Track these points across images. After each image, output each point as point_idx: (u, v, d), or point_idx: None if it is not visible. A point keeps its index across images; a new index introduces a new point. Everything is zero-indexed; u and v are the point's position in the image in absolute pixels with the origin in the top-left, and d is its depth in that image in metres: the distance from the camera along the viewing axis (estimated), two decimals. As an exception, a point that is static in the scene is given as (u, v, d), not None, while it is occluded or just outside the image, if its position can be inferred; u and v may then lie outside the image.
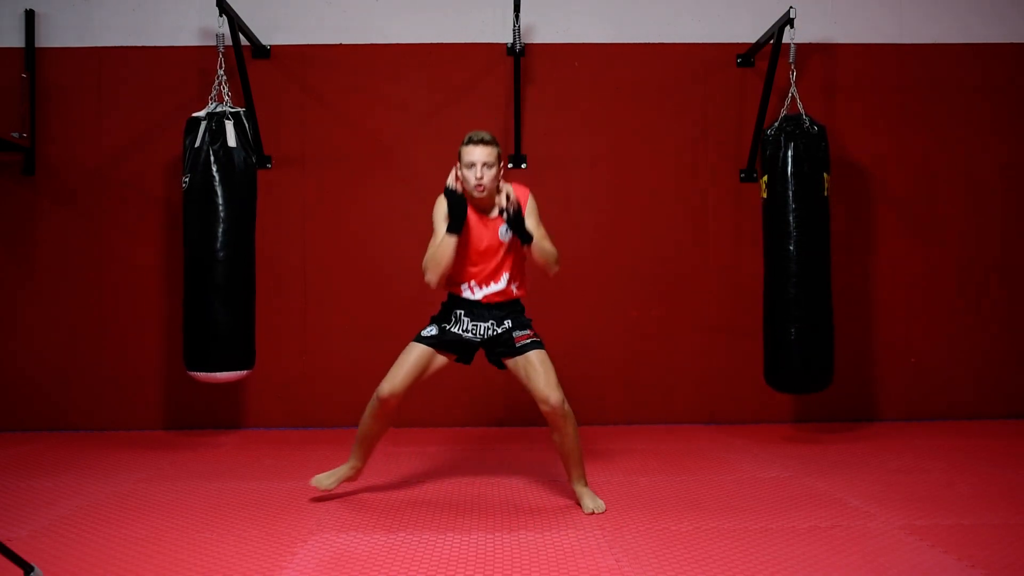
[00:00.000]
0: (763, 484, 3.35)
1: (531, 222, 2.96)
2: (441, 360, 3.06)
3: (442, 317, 3.08)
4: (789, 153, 4.02)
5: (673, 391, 4.81)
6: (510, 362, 3.02)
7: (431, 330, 3.06)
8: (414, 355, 3.03)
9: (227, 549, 2.57)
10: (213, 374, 3.78)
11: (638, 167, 4.84)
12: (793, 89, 4.19)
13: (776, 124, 4.12)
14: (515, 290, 3.06)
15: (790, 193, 4.00)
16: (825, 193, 4.04)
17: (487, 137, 2.93)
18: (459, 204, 2.91)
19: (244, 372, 3.85)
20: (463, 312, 3.04)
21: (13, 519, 2.91)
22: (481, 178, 2.89)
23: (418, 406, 4.74)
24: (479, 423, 4.70)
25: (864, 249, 4.83)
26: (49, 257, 4.73)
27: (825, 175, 4.04)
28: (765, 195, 4.12)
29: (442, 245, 2.91)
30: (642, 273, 4.82)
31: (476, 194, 2.92)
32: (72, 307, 4.73)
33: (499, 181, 2.96)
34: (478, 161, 2.90)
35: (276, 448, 4.19)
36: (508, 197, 2.89)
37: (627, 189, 4.84)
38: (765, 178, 4.11)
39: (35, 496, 3.24)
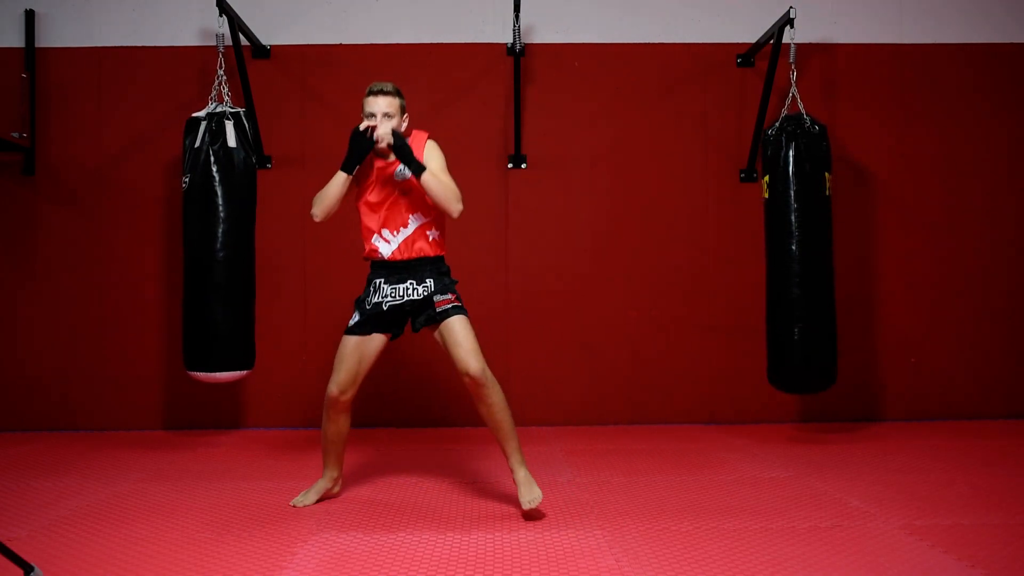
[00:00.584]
0: (763, 484, 3.35)
1: (431, 164, 2.91)
2: (376, 342, 3.01)
3: (362, 296, 3.04)
4: (790, 153, 4.02)
5: (673, 391, 4.81)
6: (434, 332, 2.95)
7: (355, 317, 3.02)
8: (348, 348, 3.01)
9: (227, 549, 2.57)
10: (213, 374, 3.77)
11: (638, 167, 4.84)
12: (793, 89, 4.19)
13: (777, 124, 4.12)
14: (429, 241, 2.96)
15: (792, 193, 4.00)
16: (827, 193, 4.04)
17: (388, 88, 2.93)
18: (358, 143, 2.89)
19: (244, 372, 3.85)
20: (381, 280, 2.99)
21: (13, 519, 2.90)
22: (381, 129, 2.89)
23: (418, 406, 4.75)
24: (479, 423, 4.69)
25: (866, 248, 4.83)
26: (49, 257, 4.73)
27: (826, 174, 4.04)
28: (767, 195, 4.11)
29: (332, 181, 2.93)
30: (642, 273, 4.82)
31: (375, 143, 2.90)
32: (72, 307, 4.73)
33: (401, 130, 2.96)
34: (378, 111, 2.91)
35: (276, 448, 4.19)
36: (392, 132, 2.87)
37: (627, 189, 4.84)
38: (767, 178, 4.11)
39: (35, 496, 3.24)
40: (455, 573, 2.35)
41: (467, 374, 2.84)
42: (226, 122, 3.83)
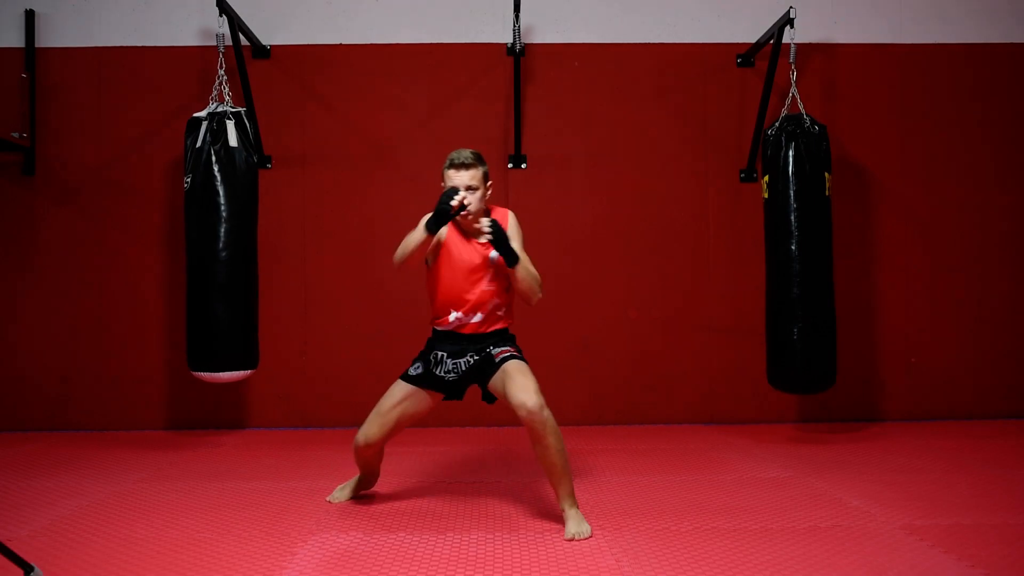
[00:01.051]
0: (763, 484, 3.35)
1: (515, 245, 2.84)
2: (425, 400, 2.95)
3: (425, 356, 2.97)
4: (790, 153, 4.02)
5: (673, 391, 4.81)
6: (492, 383, 2.85)
7: (417, 367, 2.96)
8: (394, 398, 2.95)
9: (227, 549, 2.57)
10: (216, 374, 3.78)
11: (638, 167, 4.84)
12: (793, 89, 4.19)
13: (777, 124, 4.12)
14: (500, 317, 2.92)
15: (792, 193, 4.00)
16: (827, 193, 4.04)
17: (469, 159, 2.83)
18: (446, 212, 2.77)
19: (247, 372, 3.85)
20: (445, 354, 2.92)
21: (13, 519, 2.91)
22: (467, 201, 2.79)
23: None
24: (479, 423, 4.70)
25: (865, 249, 4.83)
26: (49, 257, 4.73)
27: (826, 175, 4.04)
28: (766, 195, 4.12)
29: (413, 239, 2.81)
30: (642, 273, 4.82)
31: (458, 216, 2.82)
32: (73, 307, 4.73)
33: (484, 203, 2.88)
34: (461, 185, 2.81)
35: (277, 448, 4.19)
36: (490, 224, 2.76)
37: (627, 189, 4.84)
38: (766, 178, 4.11)
39: (35, 496, 3.24)
40: (455, 573, 2.35)
41: (524, 407, 2.65)
42: (227, 122, 3.83)
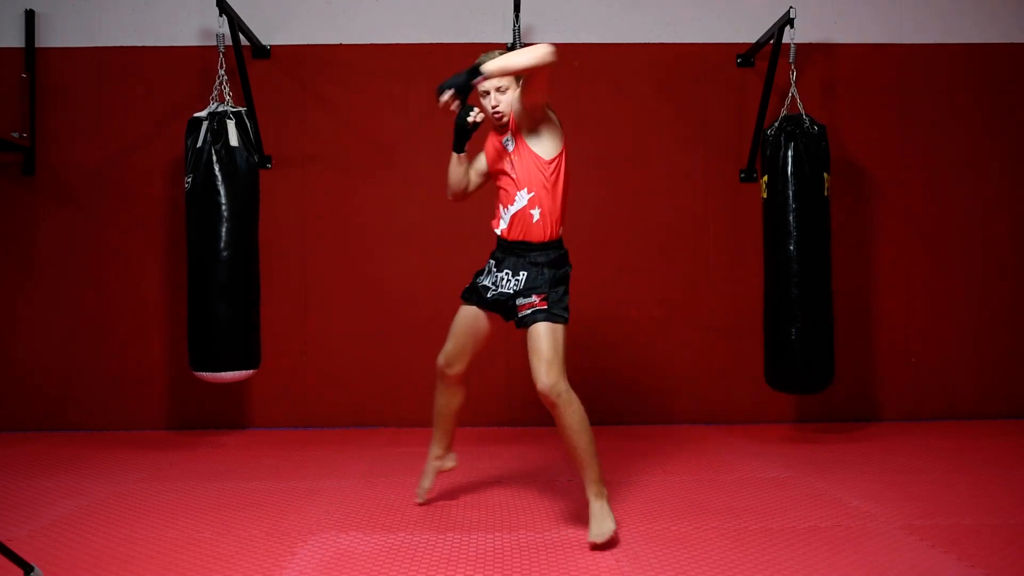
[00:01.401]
0: (763, 484, 3.35)
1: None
2: (485, 323, 2.81)
3: (482, 269, 2.87)
4: (789, 153, 4.02)
5: (673, 391, 4.81)
6: (527, 338, 2.65)
7: (471, 283, 2.86)
8: (459, 319, 2.85)
9: (227, 549, 2.57)
10: (218, 374, 3.78)
11: (638, 167, 4.84)
12: (793, 89, 4.19)
13: (776, 124, 4.12)
14: (533, 222, 2.68)
15: (790, 193, 4.00)
16: (825, 193, 4.04)
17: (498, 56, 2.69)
18: (460, 126, 2.74)
19: (249, 372, 3.86)
20: (495, 262, 2.80)
21: (13, 519, 2.91)
22: (496, 105, 2.71)
23: (418, 406, 4.74)
24: (479, 423, 4.70)
25: (864, 249, 4.83)
26: (49, 257, 4.73)
27: (825, 175, 4.04)
28: (765, 195, 4.12)
29: (450, 165, 2.84)
30: (642, 273, 4.82)
31: (496, 122, 2.74)
32: (73, 307, 4.73)
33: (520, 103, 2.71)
34: (491, 88, 2.70)
35: (277, 448, 4.19)
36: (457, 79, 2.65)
37: (627, 189, 4.84)
38: (765, 178, 4.11)
39: (35, 496, 3.24)
40: (455, 573, 2.35)
41: (538, 383, 2.55)
42: (228, 122, 3.83)
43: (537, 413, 4.67)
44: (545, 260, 2.70)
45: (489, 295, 2.77)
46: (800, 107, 4.16)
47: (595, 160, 4.83)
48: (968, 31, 4.88)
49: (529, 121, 2.69)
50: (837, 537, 2.63)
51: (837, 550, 2.51)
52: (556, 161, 2.71)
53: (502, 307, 2.76)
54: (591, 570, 2.36)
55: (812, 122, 4.07)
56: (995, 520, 2.80)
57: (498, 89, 2.70)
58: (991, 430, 4.48)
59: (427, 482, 3.08)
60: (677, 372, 4.81)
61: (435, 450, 3.08)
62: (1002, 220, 4.87)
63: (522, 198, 2.70)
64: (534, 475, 3.54)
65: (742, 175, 4.82)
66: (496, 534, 2.71)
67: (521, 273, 2.70)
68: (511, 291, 2.70)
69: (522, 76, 2.67)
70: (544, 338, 2.58)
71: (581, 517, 2.89)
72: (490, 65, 2.57)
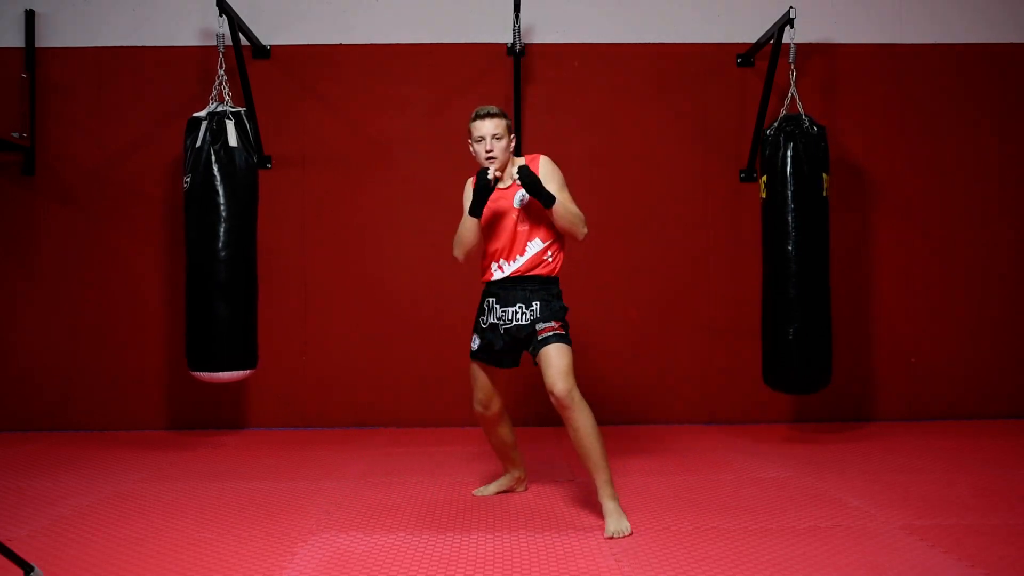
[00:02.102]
0: (763, 484, 3.35)
1: (552, 186, 2.88)
2: (495, 372, 3.05)
3: (477, 319, 3.03)
4: (788, 153, 4.02)
5: (673, 391, 4.81)
6: (537, 357, 2.87)
7: (475, 342, 3.03)
8: (475, 370, 3.06)
9: (227, 549, 2.57)
10: (216, 374, 3.78)
11: (638, 167, 4.84)
12: (793, 89, 4.19)
13: (776, 124, 4.12)
14: (543, 262, 2.92)
15: (789, 193, 4.00)
16: (824, 193, 4.04)
17: (494, 110, 2.94)
18: (484, 188, 2.87)
19: (247, 372, 3.85)
20: (494, 300, 2.96)
21: (13, 519, 2.91)
22: (491, 150, 2.89)
23: (418, 406, 4.75)
24: (478, 423, 4.69)
25: (863, 249, 4.83)
26: (49, 257, 4.74)
27: (824, 175, 4.04)
28: (764, 195, 4.12)
29: (464, 227, 2.94)
30: (642, 273, 4.82)
31: (485, 164, 2.92)
32: (73, 307, 4.73)
33: (510, 153, 2.96)
34: (487, 134, 2.90)
35: (277, 448, 4.19)
36: (519, 170, 2.85)
37: (627, 189, 4.84)
38: (764, 178, 4.11)
39: (35, 496, 3.24)
40: (455, 573, 2.35)
41: (552, 393, 2.77)
42: (227, 122, 3.82)
43: (536, 413, 4.69)
44: (552, 292, 2.93)
45: (502, 329, 2.94)
46: (800, 107, 4.16)
47: (595, 160, 4.83)
48: (968, 31, 4.88)
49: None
50: (837, 537, 2.63)
51: (837, 550, 2.51)
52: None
53: (514, 339, 2.93)
54: (591, 570, 2.36)
55: (811, 122, 4.07)
56: (995, 520, 2.80)
57: (495, 136, 2.92)
58: (991, 430, 4.48)
59: (490, 490, 3.24)
60: (677, 372, 4.81)
61: (513, 472, 3.26)
62: (1002, 220, 4.87)
63: (534, 247, 2.92)
64: (534, 475, 3.54)
65: (742, 175, 4.82)
66: (496, 534, 2.71)
67: (534, 304, 2.90)
68: (528, 321, 2.89)
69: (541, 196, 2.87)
70: (560, 354, 2.81)
71: (581, 517, 2.90)
72: (559, 210, 2.85)
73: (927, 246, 4.85)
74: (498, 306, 2.94)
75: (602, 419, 4.71)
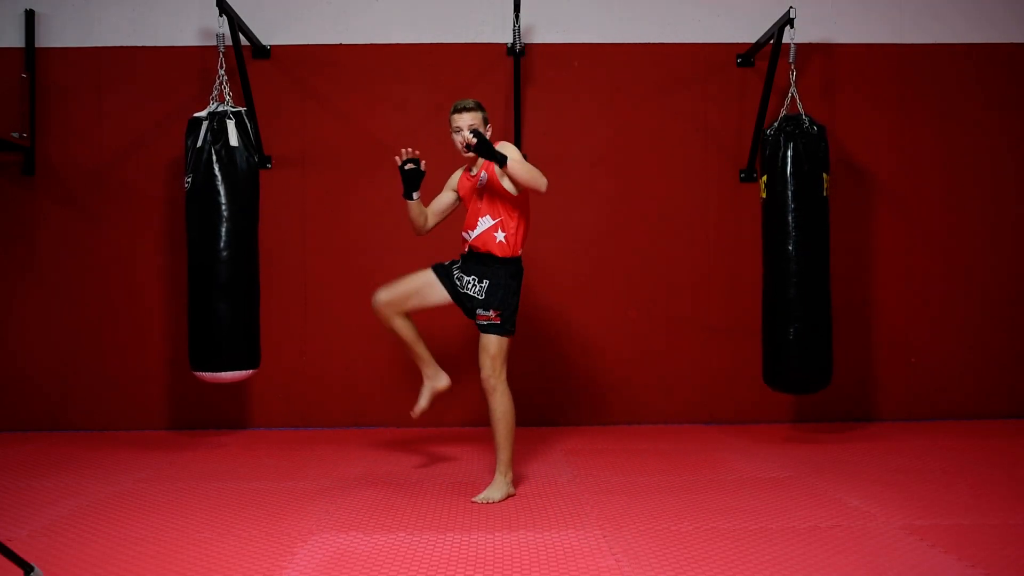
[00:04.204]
0: (763, 484, 3.35)
1: (511, 154, 3.12)
2: (440, 294, 3.31)
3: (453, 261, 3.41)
4: (789, 153, 4.02)
5: (673, 391, 4.81)
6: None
7: (447, 264, 3.36)
8: (418, 273, 3.36)
9: (227, 549, 2.57)
10: (218, 374, 3.78)
11: (638, 167, 4.84)
12: (793, 89, 4.19)
13: (776, 124, 4.12)
14: (496, 242, 3.22)
15: (790, 193, 4.00)
16: (825, 193, 4.04)
17: (470, 104, 3.25)
18: (403, 173, 3.30)
19: (249, 372, 3.85)
20: (461, 263, 3.34)
21: (13, 519, 2.91)
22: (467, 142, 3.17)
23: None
24: (479, 423, 4.69)
25: (863, 249, 4.83)
26: (49, 257, 4.73)
27: (825, 175, 4.04)
28: (764, 195, 4.12)
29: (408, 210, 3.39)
30: (642, 273, 4.82)
31: (464, 154, 3.23)
32: (73, 307, 4.73)
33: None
34: (463, 126, 3.21)
35: (277, 448, 4.19)
36: (471, 130, 3.13)
37: (627, 189, 4.84)
38: (765, 178, 4.11)
39: (35, 496, 3.24)
40: (455, 573, 2.35)
41: (481, 372, 3.18)
42: (228, 122, 3.82)
43: (536, 413, 4.70)
44: (505, 272, 3.24)
45: (460, 289, 3.30)
46: (800, 107, 4.16)
47: (595, 160, 4.83)
48: (968, 31, 4.88)
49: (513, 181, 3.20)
50: (837, 537, 2.63)
51: (837, 550, 2.51)
52: (521, 197, 3.25)
53: (464, 303, 3.31)
54: (591, 570, 2.36)
55: (812, 122, 4.07)
56: (995, 520, 2.80)
57: (471, 127, 3.21)
58: (991, 430, 4.48)
59: (423, 404, 3.47)
60: (677, 372, 4.81)
61: (425, 369, 3.47)
62: (1002, 220, 4.86)
63: (484, 223, 3.25)
64: (533, 475, 3.55)
65: (742, 175, 4.82)
66: (496, 534, 2.71)
67: (484, 281, 3.25)
68: (476, 296, 3.25)
69: (505, 171, 3.15)
70: (493, 343, 3.21)
71: (581, 517, 2.90)
72: (514, 165, 3.09)
73: (927, 245, 4.85)
74: (462, 272, 3.31)
75: (602, 419, 4.77)
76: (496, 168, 3.17)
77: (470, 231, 3.29)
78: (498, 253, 3.23)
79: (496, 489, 3.15)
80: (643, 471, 3.61)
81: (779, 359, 4.00)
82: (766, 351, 4.08)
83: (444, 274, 3.33)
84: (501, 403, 3.19)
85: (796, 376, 3.99)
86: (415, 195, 3.33)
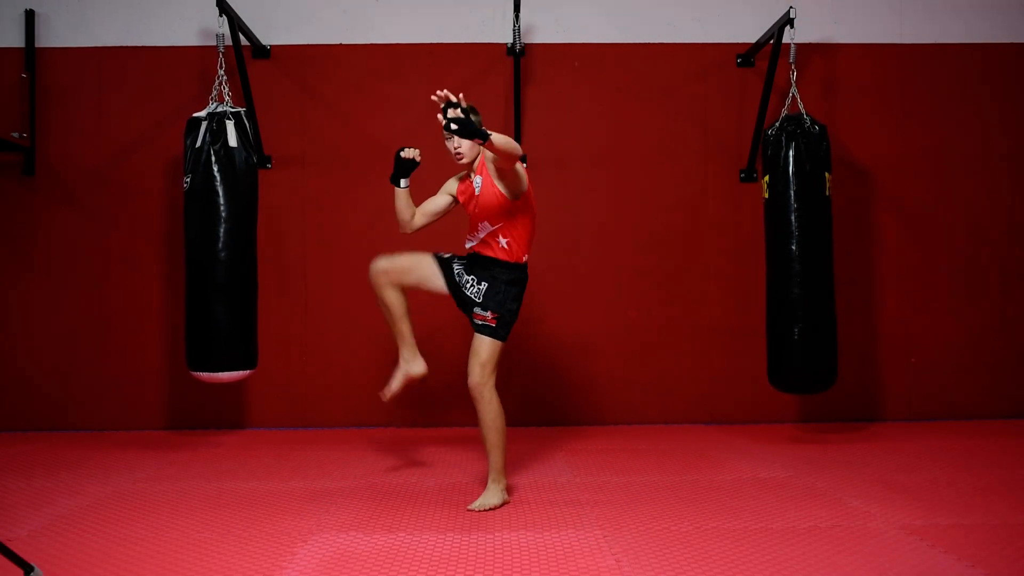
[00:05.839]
0: (763, 484, 3.35)
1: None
2: (438, 283, 3.26)
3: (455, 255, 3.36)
4: (790, 153, 4.02)
5: (673, 391, 4.81)
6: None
7: (447, 254, 3.32)
8: (422, 255, 3.30)
9: (227, 549, 2.57)
10: (215, 374, 3.78)
11: (638, 167, 4.84)
12: (793, 89, 4.19)
13: (777, 124, 4.12)
14: (498, 247, 3.18)
15: (792, 193, 4.00)
16: (827, 193, 4.04)
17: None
18: (397, 160, 3.30)
19: (246, 372, 3.85)
20: (465, 262, 3.29)
21: (13, 519, 2.91)
22: (458, 147, 3.16)
23: (419, 407, 4.74)
24: (477, 423, 4.69)
25: (865, 248, 4.83)
26: (49, 257, 4.73)
27: (826, 175, 4.04)
28: (767, 195, 4.11)
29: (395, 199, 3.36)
30: (642, 273, 4.82)
31: (457, 161, 3.20)
32: (72, 307, 4.73)
33: (478, 147, 3.17)
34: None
35: (277, 448, 4.19)
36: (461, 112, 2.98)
37: (627, 189, 4.84)
38: (767, 178, 4.11)
39: (35, 496, 3.24)
40: (455, 573, 2.35)
41: (469, 379, 3.11)
42: (227, 122, 3.83)
43: (536, 413, 4.70)
44: (506, 278, 3.19)
45: (460, 286, 3.25)
46: (800, 107, 4.16)
47: (595, 160, 4.83)
48: (969, 30, 4.88)
49: (499, 173, 3.11)
50: (837, 537, 2.63)
51: (837, 550, 2.51)
52: (521, 202, 3.15)
53: (462, 301, 3.25)
54: (591, 570, 2.36)
55: (813, 122, 4.07)
56: (995, 520, 2.80)
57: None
58: (991, 430, 4.48)
59: (395, 387, 3.36)
60: (677, 372, 4.81)
61: (403, 351, 3.36)
62: (1002, 220, 4.86)
63: (484, 228, 3.19)
64: (533, 475, 3.54)
65: (742, 175, 4.82)
66: (496, 534, 2.71)
67: (483, 283, 3.20)
68: (474, 298, 3.20)
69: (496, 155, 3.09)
70: (485, 348, 3.13)
71: (581, 517, 2.90)
72: (497, 138, 2.92)
73: (928, 245, 4.85)
74: (463, 271, 3.26)
75: (602, 419, 4.77)
76: (490, 169, 3.12)
77: (472, 237, 3.26)
78: (501, 258, 3.19)
79: (490, 497, 3.08)
80: (643, 471, 3.61)
81: (784, 359, 4.00)
82: (771, 351, 4.07)
83: (444, 266, 3.30)
84: (489, 410, 3.12)
85: (802, 376, 3.98)
86: (403, 182, 3.31)
